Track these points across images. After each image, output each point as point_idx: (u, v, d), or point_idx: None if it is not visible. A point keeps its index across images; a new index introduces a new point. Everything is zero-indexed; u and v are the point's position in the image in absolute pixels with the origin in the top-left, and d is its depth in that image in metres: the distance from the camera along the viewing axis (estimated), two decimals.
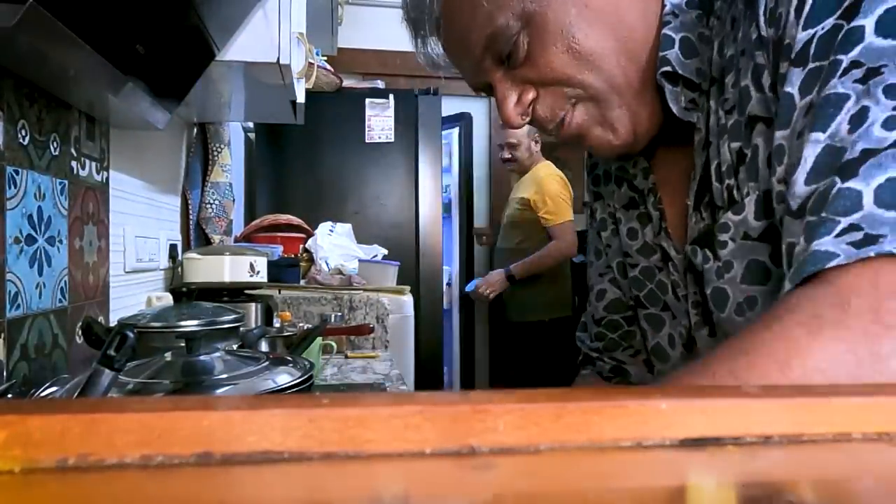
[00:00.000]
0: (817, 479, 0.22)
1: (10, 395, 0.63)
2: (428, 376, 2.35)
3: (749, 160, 0.53)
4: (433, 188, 2.46)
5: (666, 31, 0.58)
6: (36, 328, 0.81)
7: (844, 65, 0.44)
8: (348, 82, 2.59)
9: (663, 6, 0.59)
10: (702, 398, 0.24)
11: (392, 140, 2.40)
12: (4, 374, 0.73)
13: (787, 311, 0.42)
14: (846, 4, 0.45)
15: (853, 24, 0.45)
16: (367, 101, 2.39)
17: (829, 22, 0.46)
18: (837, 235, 0.41)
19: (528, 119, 0.62)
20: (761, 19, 0.51)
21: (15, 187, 0.76)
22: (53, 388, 0.58)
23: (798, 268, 0.43)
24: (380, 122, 2.40)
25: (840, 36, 0.45)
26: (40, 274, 0.82)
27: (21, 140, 0.78)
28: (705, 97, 0.58)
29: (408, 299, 1.67)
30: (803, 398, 0.25)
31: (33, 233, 0.81)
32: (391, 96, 2.41)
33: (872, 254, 0.39)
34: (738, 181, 0.54)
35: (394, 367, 1.35)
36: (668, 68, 0.57)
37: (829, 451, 0.23)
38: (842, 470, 0.23)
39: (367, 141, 2.39)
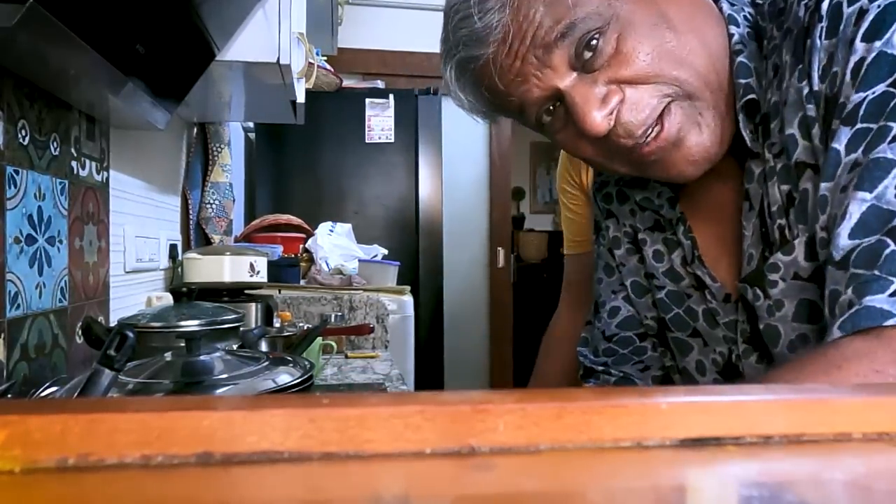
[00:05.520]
0: (817, 479, 0.22)
1: (10, 395, 0.63)
2: (428, 376, 2.35)
3: (798, 203, 0.55)
4: (433, 188, 2.46)
5: (741, 59, 0.58)
6: (36, 328, 0.81)
7: (894, 132, 0.48)
8: (348, 82, 2.59)
9: (731, 36, 0.59)
10: (702, 398, 0.24)
11: (392, 140, 2.40)
12: (4, 374, 0.73)
13: (845, 361, 0.45)
14: None
15: None
16: (367, 101, 2.39)
17: (881, 88, 0.49)
18: (892, 295, 0.45)
19: (612, 124, 0.55)
20: (815, 74, 0.52)
21: (15, 187, 0.76)
22: (53, 388, 0.58)
23: (850, 319, 0.46)
24: (380, 122, 2.40)
25: (892, 104, 0.48)
26: (40, 274, 0.82)
27: (21, 140, 0.78)
28: (756, 132, 0.59)
29: (408, 299, 1.67)
30: (803, 398, 0.25)
31: (33, 233, 0.81)
32: (391, 96, 2.41)
33: None
34: (788, 222, 0.56)
35: (394, 367, 1.35)
36: (752, 96, 0.57)
37: (829, 451, 0.23)
38: (842, 470, 0.23)
39: (367, 141, 2.39)
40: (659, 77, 0.55)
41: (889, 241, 0.46)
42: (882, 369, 0.43)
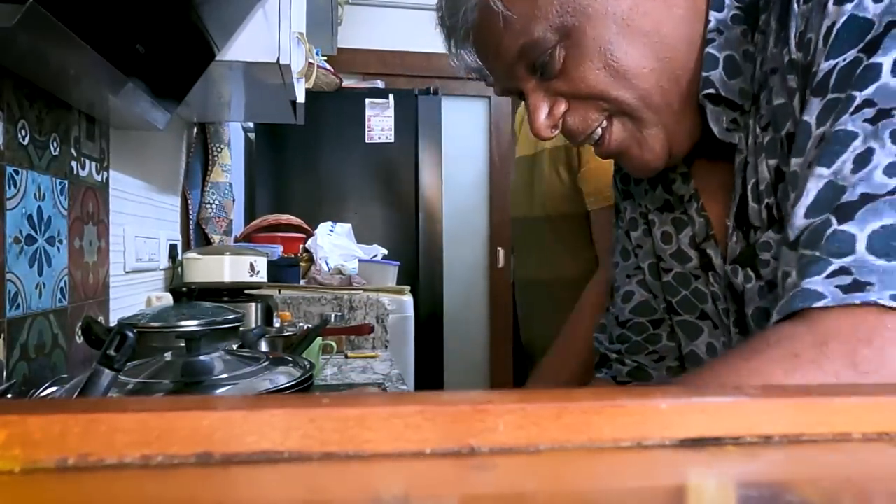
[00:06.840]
0: (817, 479, 0.22)
1: (10, 395, 0.63)
2: (428, 376, 2.35)
3: (787, 178, 0.52)
4: (433, 188, 2.45)
5: (710, 49, 0.57)
6: (36, 328, 0.81)
7: (857, 102, 0.45)
8: (348, 82, 2.59)
9: (707, 22, 0.57)
10: (702, 398, 0.24)
11: (392, 140, 2.40)
12: (4, 374, 0.73)
13: (767, 346, 0.43)
14: (868, 38, 0.45)
15: (872, 60, 0.45)
16: (367, 101, 2.39)
17: (851, 54, 0.46)
18: (828, 276, 0.42)
19: (557, 131, 0.62)
20: (792, 42, 0.50)
21: (15, 187, 0.76)
22: (53, 388, 0.59)
23: (787, 302, 0.44)
24: (380, 122, 2.40)
25: (858, 71, 0.45)
26: (40, 274, 0.82)
27: (21, 140, 0.78)
28: (746, 116, 0.57)
29: (408, 299, 1.67)
30: (803, 398, 0.25)
31: (33, 233, 0.81)
32: (391, 96, 2.41)
33: (858, 301, 0.41)
34: (776, 199, 0.54)
35: (394, 367, 1.35)
36: (711, 90, 0.56)
37: (829, 451, 0.23)
38: (842, 470, 0.23)
39: (367, 141, 2.39)
40: (599, 97, 0.58)
41: (834, 219, 0.43)
42: (801, 353, 0.41)
